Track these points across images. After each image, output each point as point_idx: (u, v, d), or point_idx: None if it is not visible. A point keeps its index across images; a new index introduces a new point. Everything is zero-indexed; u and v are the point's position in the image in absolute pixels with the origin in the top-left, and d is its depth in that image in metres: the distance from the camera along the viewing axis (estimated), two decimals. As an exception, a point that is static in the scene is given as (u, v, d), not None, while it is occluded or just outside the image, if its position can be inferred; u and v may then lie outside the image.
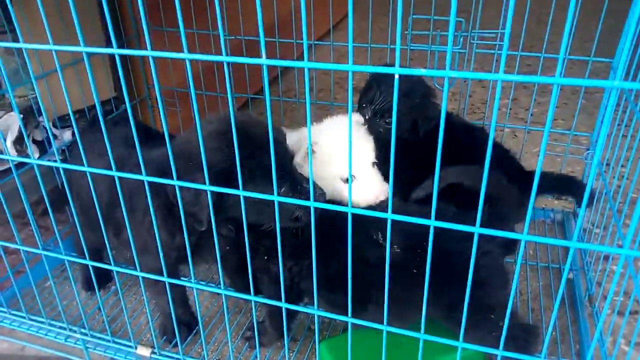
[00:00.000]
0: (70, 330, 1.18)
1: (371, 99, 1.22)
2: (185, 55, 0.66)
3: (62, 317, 1.15)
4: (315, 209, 0.75)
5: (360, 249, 0.92)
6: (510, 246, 1.07)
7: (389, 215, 0.69)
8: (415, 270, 0.95)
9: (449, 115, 1.32)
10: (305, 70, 0.63)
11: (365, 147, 1.15)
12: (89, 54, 0.73)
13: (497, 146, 1.30)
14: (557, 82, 0.52)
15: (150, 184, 0.83)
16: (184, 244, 0.87)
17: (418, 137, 1.23)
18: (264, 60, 0.64)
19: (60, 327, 1.19)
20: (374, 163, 1.14)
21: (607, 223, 1.25)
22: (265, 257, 1.06)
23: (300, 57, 2.45)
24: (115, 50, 0.71)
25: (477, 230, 0.65)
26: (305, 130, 1.18)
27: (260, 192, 0.78)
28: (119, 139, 1.11)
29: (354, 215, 0.72)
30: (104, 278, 1.41)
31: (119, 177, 0.84)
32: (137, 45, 1.69)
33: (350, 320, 0.80)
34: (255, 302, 0.89)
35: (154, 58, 0.69)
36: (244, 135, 0.86)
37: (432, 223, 0.67)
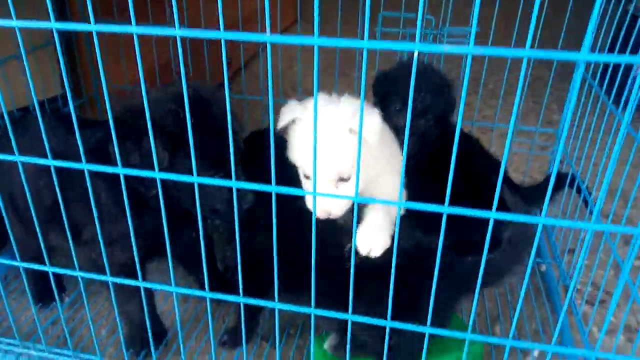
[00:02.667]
0: (24, 346, 1.06)
1: (402, 99, 1.11)
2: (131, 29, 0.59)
3: (13, 332, 1.03)
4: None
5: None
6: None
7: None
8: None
9: (468, 137, 1.25)
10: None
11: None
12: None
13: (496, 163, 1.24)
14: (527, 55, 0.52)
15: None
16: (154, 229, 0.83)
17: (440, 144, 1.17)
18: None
19: (10, 344, 1.07)
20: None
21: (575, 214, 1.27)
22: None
23: (264, 51, 2.31)
24: (53, 24, 0.62)
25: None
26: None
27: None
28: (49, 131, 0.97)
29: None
30: (57, 289, 1.28)
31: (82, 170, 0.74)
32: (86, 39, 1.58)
33: (312, 311, 0.75)
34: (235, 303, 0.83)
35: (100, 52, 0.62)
36: (199, 103, 0.83)
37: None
